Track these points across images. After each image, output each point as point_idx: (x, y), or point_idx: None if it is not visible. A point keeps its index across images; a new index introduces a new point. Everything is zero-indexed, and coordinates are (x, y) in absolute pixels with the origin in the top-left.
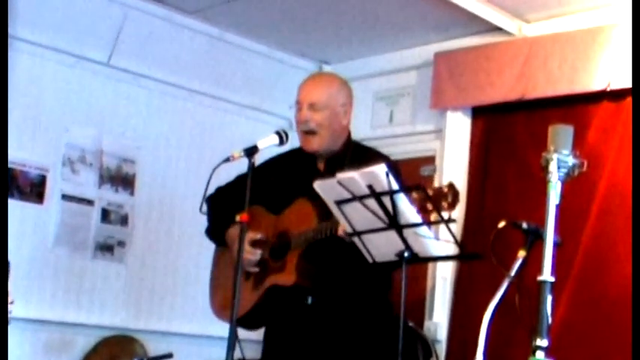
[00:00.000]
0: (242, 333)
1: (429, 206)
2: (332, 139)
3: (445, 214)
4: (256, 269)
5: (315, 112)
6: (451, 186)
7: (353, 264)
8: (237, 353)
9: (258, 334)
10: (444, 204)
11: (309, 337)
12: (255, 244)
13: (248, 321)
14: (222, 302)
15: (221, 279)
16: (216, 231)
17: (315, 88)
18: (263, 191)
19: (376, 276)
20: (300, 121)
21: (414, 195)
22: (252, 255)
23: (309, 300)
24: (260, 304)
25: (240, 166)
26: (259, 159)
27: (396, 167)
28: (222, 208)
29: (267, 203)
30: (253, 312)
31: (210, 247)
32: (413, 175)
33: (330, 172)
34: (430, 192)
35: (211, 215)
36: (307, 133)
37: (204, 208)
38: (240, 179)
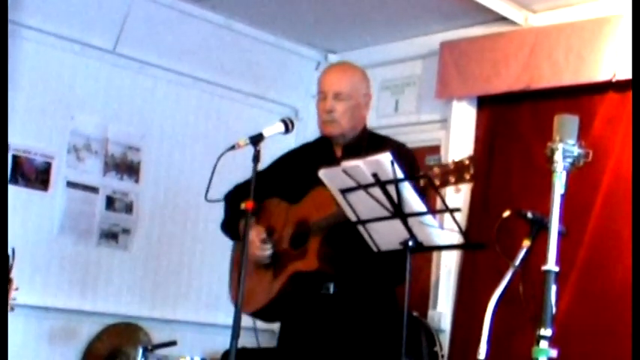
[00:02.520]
0: (253, 321)
1: (452, 179)
2: (351, 128)
3: (467, 186)
4: (268, 260)
5: (339, 101)
6: (472, 158)
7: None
8: (241, 341)
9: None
10: (467, 175)
11: (330, 327)
12: (264, 240)
13: (268, 312)
14: (247, 295)
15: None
16: (230, 225)
17: (340, 78)
18: (282, 183)
19: (394, 263)
20: (325, 110)
21: (436, 170)
22: (261, 250)
23: (331, 289)
24: (282, 293)
25: (245, 153)
26: (279, 151)
27: (410, 154)
28: (237, 203)
29: (286, 195)
30: (275, 302)
31: (214, 233)
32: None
33: (346, 159)
34: (452, 166)
35: (226, 210)
36: (329, 121)
37: (210, 196)
38: (259, 174)
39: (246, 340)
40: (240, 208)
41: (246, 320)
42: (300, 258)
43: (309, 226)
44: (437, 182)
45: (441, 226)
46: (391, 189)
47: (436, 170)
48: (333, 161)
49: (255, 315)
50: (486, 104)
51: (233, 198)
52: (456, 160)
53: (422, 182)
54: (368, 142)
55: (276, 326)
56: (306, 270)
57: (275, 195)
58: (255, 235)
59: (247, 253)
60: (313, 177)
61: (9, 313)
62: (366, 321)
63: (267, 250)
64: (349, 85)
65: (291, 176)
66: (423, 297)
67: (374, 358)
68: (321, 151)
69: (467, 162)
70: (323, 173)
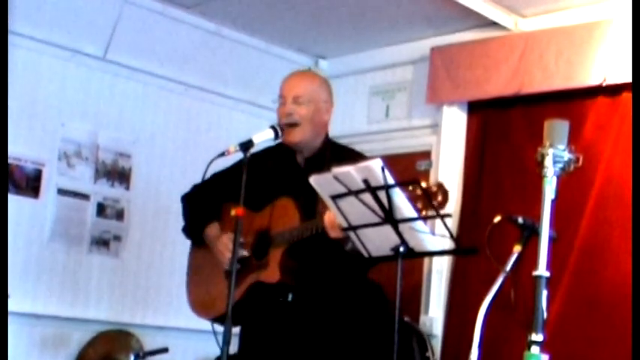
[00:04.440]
0: (212, 326)
1: (419, 204)
2: (313, 134)
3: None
4: (237, 266)
5: (298, 105)
6: (440, 185)
7: (336, 262)
8: (232, 348)
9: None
10: (434, 203)
11: (290, 333)
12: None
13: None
14: (203, 300)
15: (199, 277)
16: (193, 230)
17: (299, 82)
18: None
19: (362, 272)
20: (284, 114)
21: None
22: (230, 253)
23: (290, 297)
24: (241, 302)
25: (236, 160)
26: (236, 157)
27: None
28: (200, 206)
29: (246, 200)
30: (234, 309)
31: None
32: (409, 170)
33: (310, 169)
34: (419, 191)
35: (188, 214)
36: (290, 125)
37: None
38: (215, 177)
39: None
40: (231, 215)
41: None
42: (262, 269)
43: (270, 236)
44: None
45: (432, 232)
46: (382, 195)
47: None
48: (296, 170)
49: (216, 320)
50: (477, 109)
51: (193, 200)
52: (424, 186)
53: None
54: (331, 153)
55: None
56: (267, 281)
57: (233, 199)
58: (227, 239)
59: (235, 256)
60: (276, 186)
61: None
62: (332, 326)
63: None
64: (308, 89)
65: (252, 182)
66: (415, 302)
67: None
68: (284, 160)
69: (434, 189)
70: (314, 179)
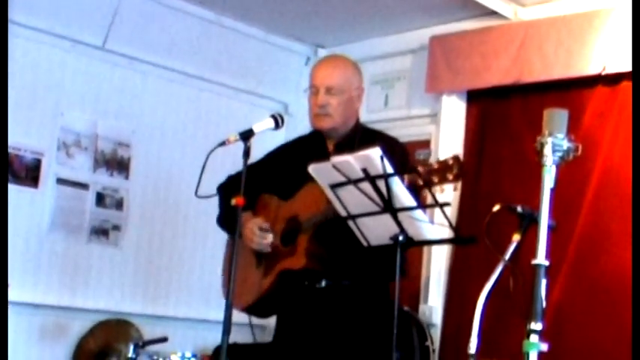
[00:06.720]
0: (248, 317)
1: (435, 179)
2: (344, 122)
3: (452, 186)
4: (269, 249)
5: (331, 96)
6: (456, 158)
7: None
8: (234, 337)
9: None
10: (450, 176)
11: (321, 320)
12: (263, 229)
13: (260, 308)
14: (236, 290)
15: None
16: (227, 219)
17: (332, 72)
18: (273, 179)
19: (387, 258)
20: (317, 105)
21: (420, 168)
22: (262, 239)
23: (323, 283)
24: (272, 290)
25: (235, 149)
26: (269, 147)
27: (403, 149)
28: (231, 195)
29: (278, 190)
30: (265, 298)
31: (205, 230)
32: None
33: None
34: (436, 165)
35: (222, 203)
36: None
37: (200, 192)
38: (250, 167)
39: (239, 336)
40: (231, 205)
41: (238, 316)
42: (289, 256)
43: (299, 223)
44: (420, 182)
45: (431, 221)
46: (381, 184)
47: (420, 169)
48: (325, 156)
49: (247, 311)
50: (476, 98)
51: (227, 190)
52: (440, 159)
53: (406, 179)
54: (360, 137)
55: (267, 321)
56: (293, 268)
57: (267, 189)
58: (255, 224)
59: (237, 249)
60: (305, 172)
61: None
62: (356, 314)
63: (267, 238)
64: (341, 79)
65: (283, 171)
66: (414, 291)
67: (365, 352)
68: (314, 146)
69: (450, 162)
70: (313, 168)
